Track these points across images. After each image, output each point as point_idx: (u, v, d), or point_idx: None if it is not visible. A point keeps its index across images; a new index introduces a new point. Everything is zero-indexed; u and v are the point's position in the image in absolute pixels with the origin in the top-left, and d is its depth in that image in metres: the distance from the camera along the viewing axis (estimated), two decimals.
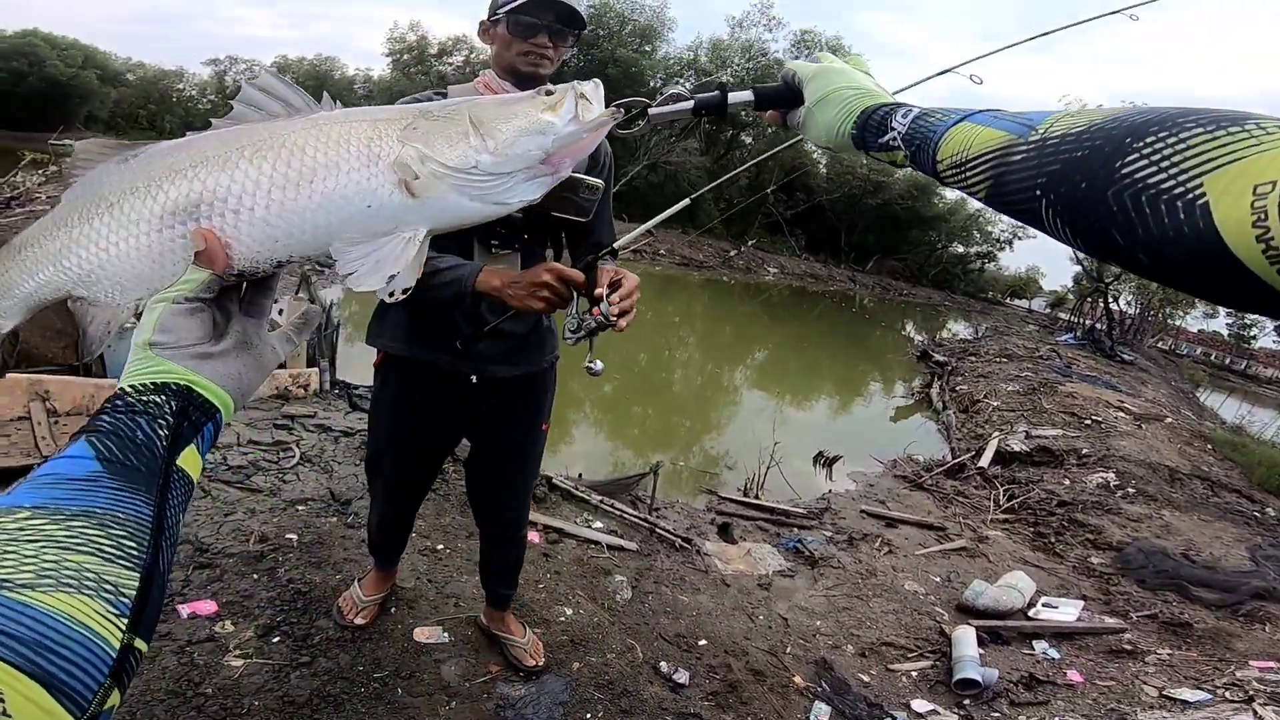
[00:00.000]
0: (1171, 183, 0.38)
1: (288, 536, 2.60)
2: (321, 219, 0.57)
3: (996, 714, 2.83)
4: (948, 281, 31.21)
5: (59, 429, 2.86)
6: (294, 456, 3.25)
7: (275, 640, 2.08)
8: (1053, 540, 5.08)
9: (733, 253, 22.79)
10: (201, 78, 44.15)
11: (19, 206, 10.43)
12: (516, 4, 1.49)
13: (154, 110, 42.87)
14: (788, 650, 3.01)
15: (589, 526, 3.47)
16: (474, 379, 1.70)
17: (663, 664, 2.53)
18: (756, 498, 5.29)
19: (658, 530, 3.68)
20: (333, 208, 0.57)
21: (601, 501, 3.72)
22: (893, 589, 3.91)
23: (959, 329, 19.75)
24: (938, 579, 4.16)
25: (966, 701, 2.86)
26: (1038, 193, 0.47)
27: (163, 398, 0.49)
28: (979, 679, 2.88)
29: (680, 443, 7.09)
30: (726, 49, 27.73)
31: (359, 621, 2.21)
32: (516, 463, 1.93)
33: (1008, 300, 32.25)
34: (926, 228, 31.52)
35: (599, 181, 1.54)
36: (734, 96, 0.86)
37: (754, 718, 2.43)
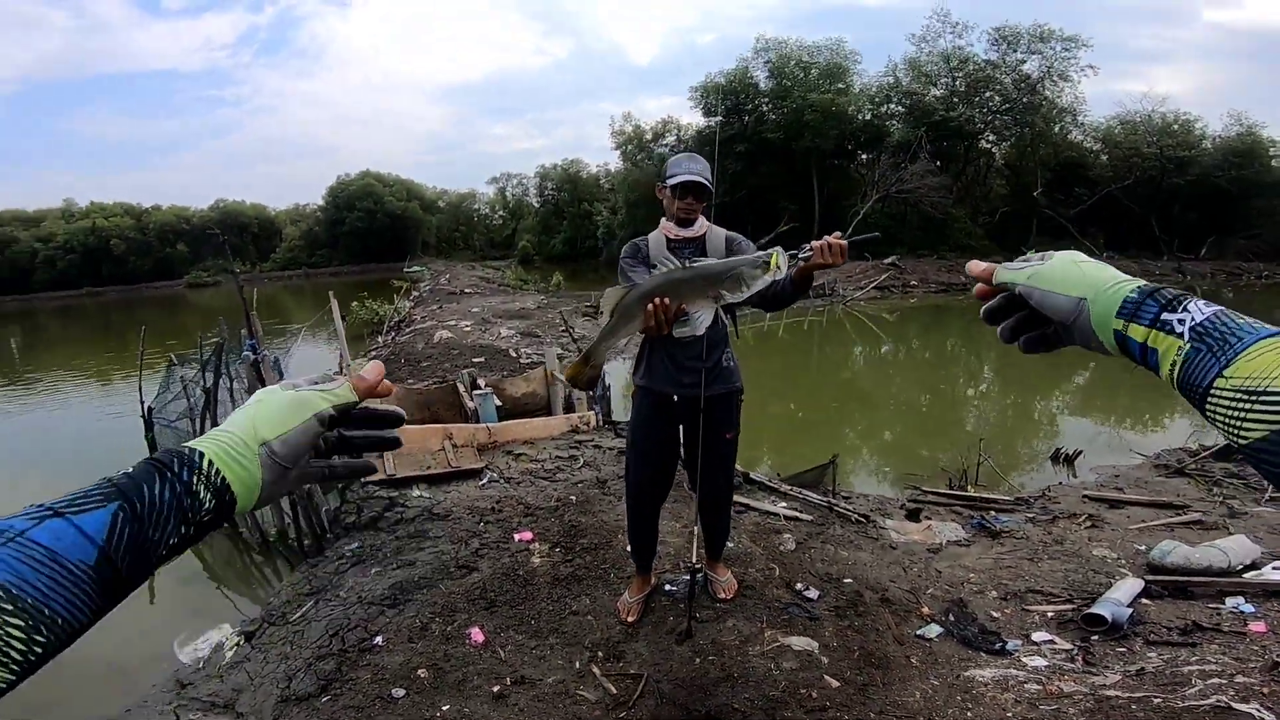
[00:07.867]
0: None
1: (570, 498, 4.06)
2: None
3: (1122, 650, 2.73)
4: None
5: (457, 453, 4.79)
6: (579, 463, 4.78)
7: (556, 550, 3.43)
8: None
9: None
10: (489, 195, 49.61)
11: (406, 328, 13.20)
12: (671, 185, 2.32)
13: (465, 231, 47.85)
14: (928, 591, 3.12)
15: (774, 506, 4.25)
16: (675, 398, 2.40)
17: (798, 584, 3.03)
18: (963, 489, 5.21)
19: (835, 509, 4.32)
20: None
21: (790, 489, 4.53)
22: (1076, 554, 3.63)
23: None
24: (1142, 548, 3.70)
25: (1094, 637, 2.78)
26: None
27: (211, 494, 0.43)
28: (1106, 615, 2.82)
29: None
30: (925, 65, 25.28)
31: (630, 619, 2.78)
32: (712, 455, 2.53)
33: None
34: (1272, 194, 24.24)
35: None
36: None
37: (865, 627, 2.71)
